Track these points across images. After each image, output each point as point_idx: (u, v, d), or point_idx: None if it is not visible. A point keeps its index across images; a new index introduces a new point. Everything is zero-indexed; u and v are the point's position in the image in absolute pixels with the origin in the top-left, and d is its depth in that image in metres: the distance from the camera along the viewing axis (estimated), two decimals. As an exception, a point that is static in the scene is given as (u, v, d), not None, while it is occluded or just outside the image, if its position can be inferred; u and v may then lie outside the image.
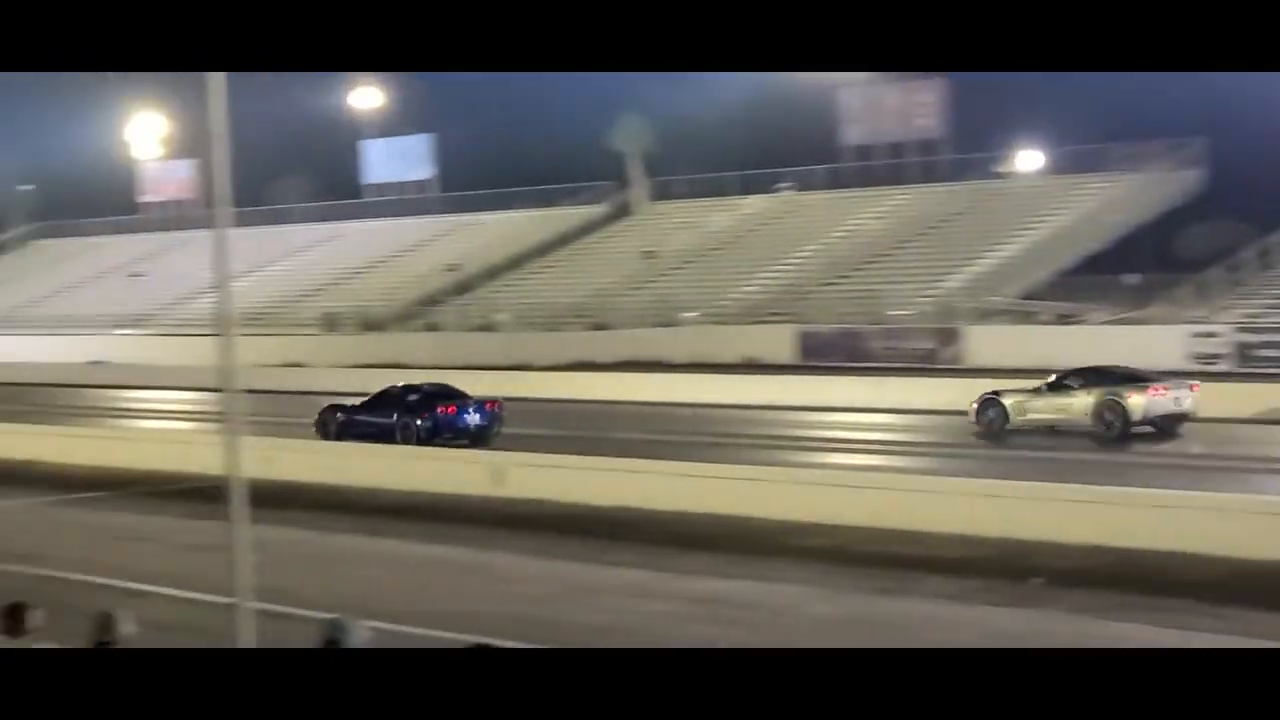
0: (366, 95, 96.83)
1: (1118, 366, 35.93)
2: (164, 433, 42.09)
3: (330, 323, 74.14)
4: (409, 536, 24.73)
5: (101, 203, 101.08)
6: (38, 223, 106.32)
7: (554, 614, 18.64)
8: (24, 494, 30.67)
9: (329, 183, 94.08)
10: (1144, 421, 33.64)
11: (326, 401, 38.89)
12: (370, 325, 72.76)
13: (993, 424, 35.08)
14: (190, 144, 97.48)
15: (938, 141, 71.57)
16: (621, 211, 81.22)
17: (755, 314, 62.89)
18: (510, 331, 66.68)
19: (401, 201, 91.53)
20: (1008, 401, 35.18)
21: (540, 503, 26.56)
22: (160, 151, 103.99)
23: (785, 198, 75.81)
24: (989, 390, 36.05)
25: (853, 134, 73.77)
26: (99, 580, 20.76)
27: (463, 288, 76.23)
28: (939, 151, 71.52)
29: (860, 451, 34.08)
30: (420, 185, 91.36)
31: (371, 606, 15.81)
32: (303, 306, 78.37)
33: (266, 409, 35.50)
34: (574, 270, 75.57)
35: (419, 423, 35.80)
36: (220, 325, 9.66)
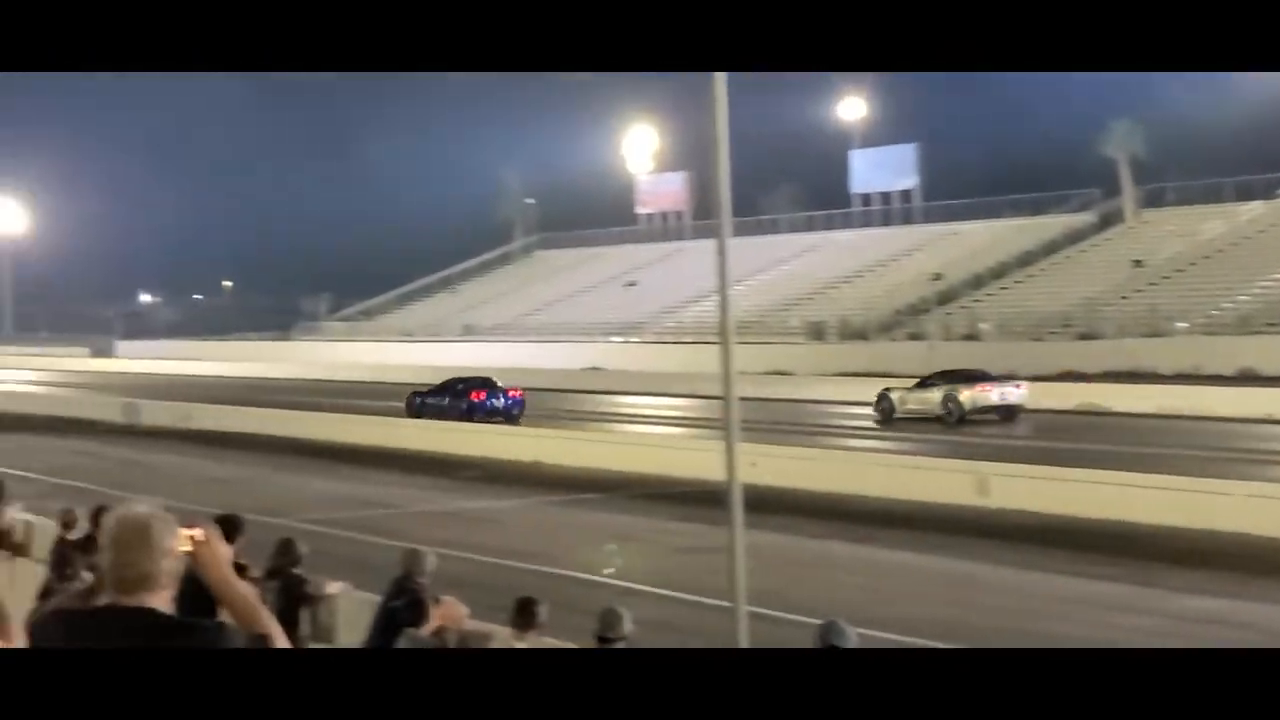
0: (852, 105, 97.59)
1: (970, 369, 47.07)
2: (652, 436, 43.45)
3: (815, 331, 74.92)
4: (889, 543, 24.89)
5: (600, 214, 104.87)
6: (539, 234, 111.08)
7: (1029, 625, 18.51)
8: (527, 494, 32.30)
9: (816, 192, 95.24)
10: (974, 411, 43.83)
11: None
12: (854, 334, 73.21)
13: (885, 412, 45.89)
14: (679, 158, 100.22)
15: None
16: (1110, 219, 79.43)
17: (1251, 324, 60.58)
18: (995, 341, 66.06)
19: (885, 211, 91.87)
20: (894, 395, 46.09)
21: (1025, 513, 26.35)
22: (650, 165, 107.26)
23: (1286, 203, 72.76)
24: (885, 387, 46.90)
25: (1362, 135, 70.24)
26: (596, 579, 21.66)
27: (946, 297, 75.91)
28: None
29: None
30: (905, 194, 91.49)
31: (854, 613, 16.09)
32: (788, 315, 79.44)
33: (751, 416, 36.25)
34: (1059, 279, 74.30)
35: (460, 403, 48.33)
36: (721, 333, 9.85)
